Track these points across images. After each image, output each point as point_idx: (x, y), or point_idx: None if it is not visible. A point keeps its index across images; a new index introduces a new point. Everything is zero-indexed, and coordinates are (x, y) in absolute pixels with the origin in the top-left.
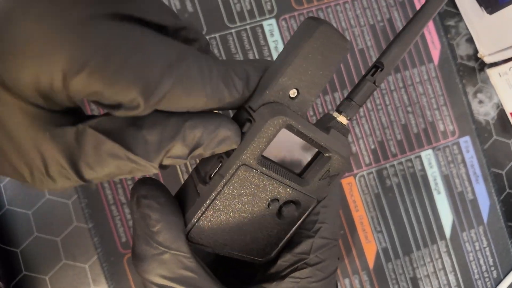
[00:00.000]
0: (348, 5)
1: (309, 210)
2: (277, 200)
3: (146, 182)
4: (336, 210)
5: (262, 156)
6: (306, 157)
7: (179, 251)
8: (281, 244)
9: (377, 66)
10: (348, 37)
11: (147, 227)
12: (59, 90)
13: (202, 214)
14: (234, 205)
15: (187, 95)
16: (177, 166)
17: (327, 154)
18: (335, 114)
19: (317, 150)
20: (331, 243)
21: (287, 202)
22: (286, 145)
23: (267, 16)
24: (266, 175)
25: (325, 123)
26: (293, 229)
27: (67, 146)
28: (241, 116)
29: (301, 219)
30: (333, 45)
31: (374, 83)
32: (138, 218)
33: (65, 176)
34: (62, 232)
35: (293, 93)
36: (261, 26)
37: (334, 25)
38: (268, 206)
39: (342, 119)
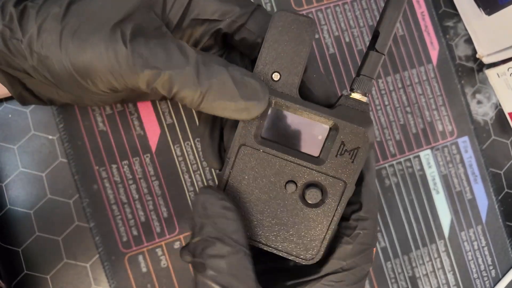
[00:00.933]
0: (347, 6)
1: (338, 198)
2: (294, 182)
3: (210, 187)
4: (377, 215)
5: (263, 137)
6: (321, 140)
7: (247, 249)
8: (324, 243)
9: (375, 36)
10: (347, 38)
11: (225, 226)
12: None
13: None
14: (247, 187)
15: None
16: (178, 166)
17: (333, 126)
18: (347, 93)
19: (328, 129)
20: (368, 249)
21: (308, 186)
22: (297, 130)
23: None
24: (271, 154)
25: (335, 103)
26: (332, 223)
27: None
28: None
29: (337, 209)
30: (295, 25)
31: (376, 51)
32: (216, 218)
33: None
34: (63, 231)
35: (275, 76)
36: None
37: (333, 26)
38: (285, 188)
39: (355, 95)
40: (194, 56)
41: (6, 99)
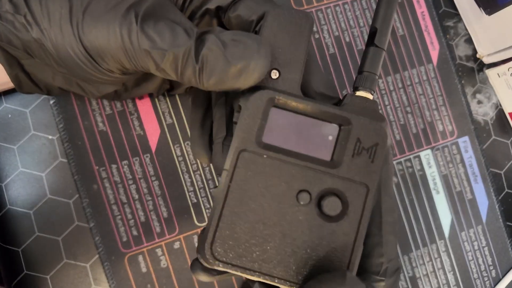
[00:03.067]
0: (347, 6)
1: (362, 206)
2: (307, 192)
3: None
4: (396, 231)
5: (264, 142)
6: (332, 141)
7: None
8: (353, 261)
9: (372, 32)
10: (347, 38)
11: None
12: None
13: (219, 220)
14: (252, 202)
15: None
16: (178, 166)
17: (345, 124)
18: (351, 93)
19: (338, 128)
20: (399, 272)
21: (324, 195)
22: (304, 131)
23: None
24: (277, 159)
25: (340, 102)
26: (359, 236)
27: None
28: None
29: (362, 219)
30: (292, 22)
31: (376, 46)
32: None
33: None
34: (63, 231)
35: (274, 74)
36: None
37: (334, 26)
38: (298, 200)
39: (361, 93)
40: (196, 33)
41: (6, 99)
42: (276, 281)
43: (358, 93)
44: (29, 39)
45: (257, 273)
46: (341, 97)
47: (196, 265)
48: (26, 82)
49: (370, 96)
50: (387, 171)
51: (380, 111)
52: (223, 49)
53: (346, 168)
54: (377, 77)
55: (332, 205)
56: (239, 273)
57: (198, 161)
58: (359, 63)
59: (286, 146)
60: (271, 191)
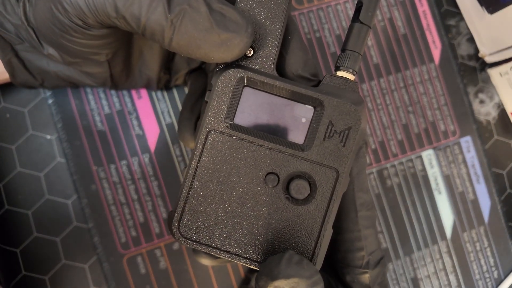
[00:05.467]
0: (348, 5)
1: (330, 191)
2: (275, 174)
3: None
4: (375, 224)
5: (237, 121)
6: (305, 123)
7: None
8: (317, 252)
9: (359, 7)
10: None
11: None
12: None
13: (187, 198)
14: (219, 183)
15: None
16: (177, 166)
17: (319, 105)
18: (331, 73)
19: (313, 109)
20: (383, 262)
21: (293, 178)
22: (276, 113)
23: None
24: (246, 141)
25: (318, 83)
26: (326, 223)
27: None
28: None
29: (330, 205)
30: None
31: (361, 22)
32: None
33: None
34: (61, 232)
35: (248, 51)
36: None
37: (335, 24)
38: (265, 182)
39: (341, 73)
40: None
41: (4, 99)
42: (240, 260)
43: (339, 73)
44: (18, 23)
45: (221, 251)
46: (320, 79)
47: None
48: (19, 68)
49: (351, 77)
50: (359, 165)
51: (382, 111)
52: (208, 12)
53: (316, 151)
54: (360, 56)
55: (299, 189)
56: (204, 251)
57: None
58: (361, 68)
59: (258, 127)
60: (238, 173)
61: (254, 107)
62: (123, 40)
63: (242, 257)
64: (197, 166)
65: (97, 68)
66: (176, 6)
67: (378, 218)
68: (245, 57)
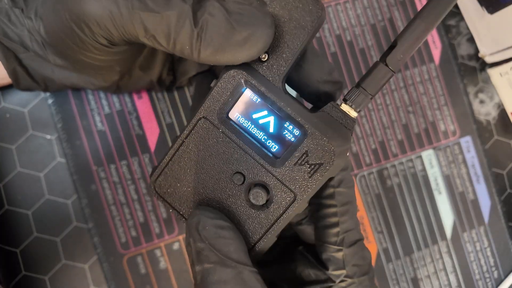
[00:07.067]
0: (348, 5)
1: (283, 209)
2: (242, 175)
3: (205, 209)
4: (356, 207)
5: (228, 117)
6: (288, 141)
7: (251, 266)
8: (253, 253)
9: (391, 46)
10: (348, 37)
11: (223, 247)
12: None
13: (167, 163)
14: (195, 161)
15: None
16: None
17: (303, 132)
18: (339, 103)
19: (298, 132)
20: (360, 244)
21: (256, 185)
22: (267, 122)
23: None
24: (229, 137)
25: (319, 108)
26: (268, 234)
27: None
28: None
29: (278, 221)
30: (297, 8)
31: (386, 65)
32: (212, 240)
33: None
34: (61, 232)
35: (263, 56)
36: None
37: (335, 24)
38: (232, 179)
39: (345, 107)
40: None
41: (4, 99)
42: (184, 221)
43: (343, 106)
44: (24, 34)
45: (177, 212)
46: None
47: None
48: (23, 76)
49: (353, 114)
50: (349, 195)
51: (382, 111)
52: (227, 15)
53: (284, 171)
54: (371, 98)
55: (257, 196)
56: (168, 207)
57: None
58: (360, 62)
59: (246, 129)
60: (213, 162)
61: (248, 110)
62: (138, 52)
63: (184, 217)
64: (183, 141)
65: (108, 77)
66: (199, 18)
67: (378, 218)
68: (259, 60)
